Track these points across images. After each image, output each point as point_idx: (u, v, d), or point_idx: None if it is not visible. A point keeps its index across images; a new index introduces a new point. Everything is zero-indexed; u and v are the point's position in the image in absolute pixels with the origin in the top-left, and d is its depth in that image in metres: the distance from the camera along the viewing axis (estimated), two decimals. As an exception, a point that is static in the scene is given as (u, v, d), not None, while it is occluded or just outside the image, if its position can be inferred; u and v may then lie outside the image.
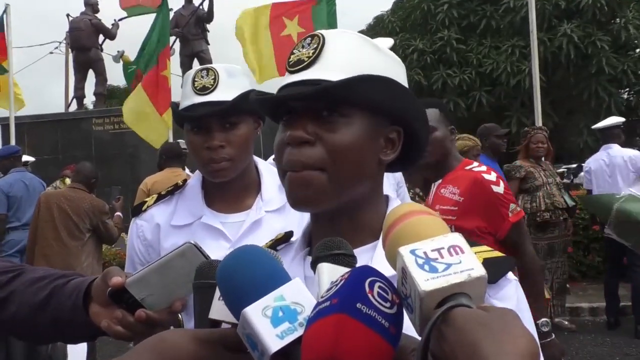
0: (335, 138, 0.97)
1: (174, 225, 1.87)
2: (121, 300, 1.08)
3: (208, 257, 1.04)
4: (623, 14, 15.89)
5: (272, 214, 1.86)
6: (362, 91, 0.97)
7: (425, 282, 0.63)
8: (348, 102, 0.97)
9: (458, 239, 0.68)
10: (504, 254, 1.03)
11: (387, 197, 1.10)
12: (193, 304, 0.92)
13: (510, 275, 0.99)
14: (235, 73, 1.88)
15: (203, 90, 1.80)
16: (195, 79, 1.81)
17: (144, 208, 1.95)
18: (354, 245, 0.95)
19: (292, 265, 1.02)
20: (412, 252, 0.66)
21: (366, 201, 1.03)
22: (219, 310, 0.82)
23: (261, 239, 1.70)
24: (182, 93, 1.87)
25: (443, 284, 0.63)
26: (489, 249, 1.02)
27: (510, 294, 0.97)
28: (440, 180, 2.81)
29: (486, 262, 0.91)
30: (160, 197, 1.96)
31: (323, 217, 1.04)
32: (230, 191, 1.88)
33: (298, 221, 1.79)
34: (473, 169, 2.72)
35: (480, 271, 0.64)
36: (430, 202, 2.81)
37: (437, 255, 0.66)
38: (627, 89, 17.30)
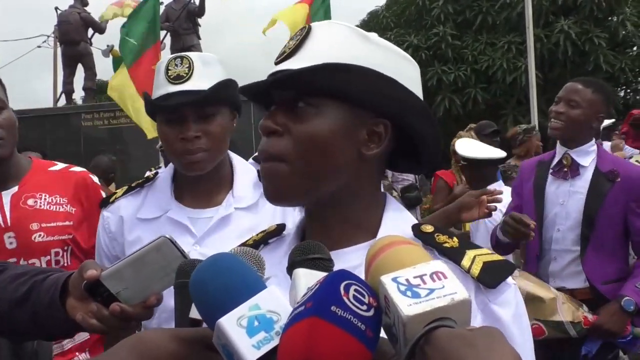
0: (301, 129, 0.96)
1: (140, 218, 1.79)
2: (97, 293, 1.09)
3: (183, 252, 1.05)
4: (621, 10, 15.77)
5: (242, 211, 1.81)
6: (328, 80, 0.95)
7: (408, 307, 0.63)
8: (318, 93, 0.96)
9: (440, 265, 0.68)
10: (504, 258, 1.01)
11: (384, 195, 1.08)
12: (174, 303, 0.92)
13: (510, 279, 0.98)
14: (210, 62, 1.79)
15: (177, 79, 1.72)
16: (169, 68, 1.73)
17: (112, 200, 1.87)
18: (347, 243, 1.00)
19: (284, 261, 0.98)
20: (394, 279, 0.66)
21: (355, 197, 1.02)
22: None
23: (228, 236, 1.71)
24: (155, 82, 1.78)
25: (426, 308, 0.63)
26: (489, 252, 1.01)
27: (510, 299, 0.96)
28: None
29: (486, 266, 0.97)
30: (129, 189, 1.88)
31: (314, 212, 1.04)
32: (201, 186, 1.82)
33: (270, 220, 1.74)
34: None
35: (463, 295, 0.64)
36: None
37: (419, 282, 0.66)
38: (625, 87, 17.24)
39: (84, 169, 2.19)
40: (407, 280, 0.66)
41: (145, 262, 1.06)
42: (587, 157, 2.93)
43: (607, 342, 2.79)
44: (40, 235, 1.95)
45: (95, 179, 2.18)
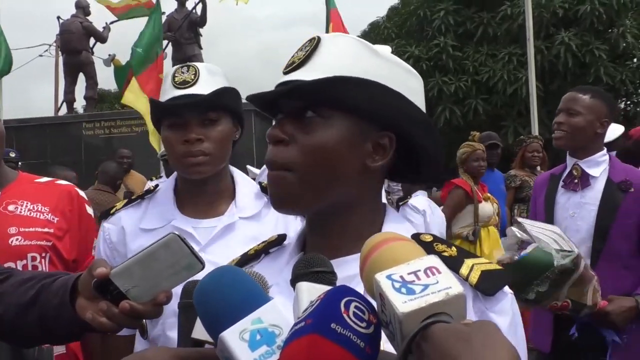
0: (308, 139, 0.97)
1: (143, 228, 1.83)
2: (106, 292, 1.09)
3: (192, 249, 1.06)
4: (621, 22, 15.82)
5: (245, 220, 1.84)
6: (338, 93, 0.96)
7: (403, 304, 0.63)
8: (327, 104, 0.97)
9: (434, 260, 0.68)
10: (501, 267, 1.03)
11: (384, 205, 1.09)
12: (177, 322, 0.93)
13: (507, 288, 0.99)
14: (215, 72, 1.86)
15: (183, 84, 1.78)
16: (176, 75, 1.80)
17: (112, 212, 1.92)
18: (347, 251, 1.00)
19: (285, 269, 1.02)
20: (389, 277, 0.66)
21: (356, 207, 1.03)
22: (201, 330, 0.81)
23: (233, 244, 1.74)
24: (162, 89, 1.85)
25: (422, 305, 0.63)
26: (487, 261, 1.02)
27: (507, 308, 0.97)
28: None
29: (484, 275, 0.97)
30: (130, 201, 1.93)
31: (314, 221, 1.05)
32: (203, 196, 1.85)
33: (272, 229, 1.76)
34: None
35: (458, 289, 0.64)
36: None
37: (413, 278, 0.66)
38: (625, 99, 17.25)
39: (70, 183, 2.20)
40: (401, 277, 0.66)
41: (155, 260, 1.07)
42: (597, 168, 2.84)
43: (592, 327, 2.62)
44: (17, 239, 1.94)
45: (82, 192, 2.17)
